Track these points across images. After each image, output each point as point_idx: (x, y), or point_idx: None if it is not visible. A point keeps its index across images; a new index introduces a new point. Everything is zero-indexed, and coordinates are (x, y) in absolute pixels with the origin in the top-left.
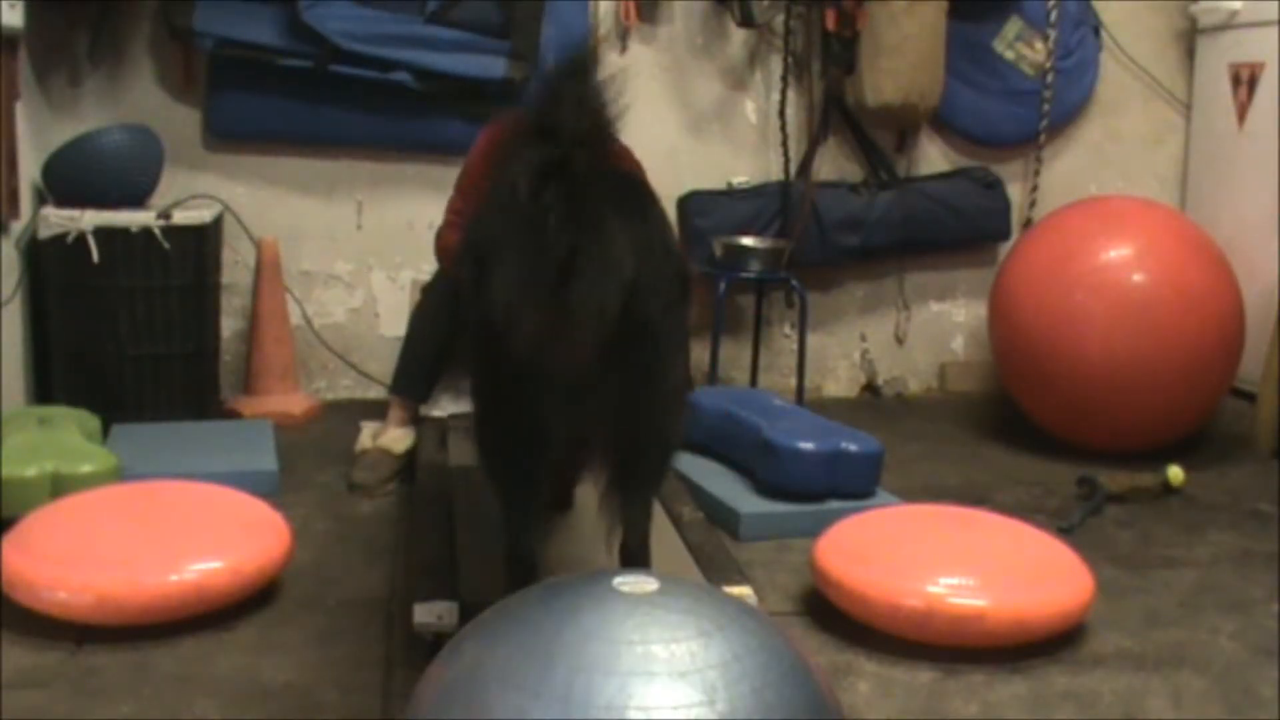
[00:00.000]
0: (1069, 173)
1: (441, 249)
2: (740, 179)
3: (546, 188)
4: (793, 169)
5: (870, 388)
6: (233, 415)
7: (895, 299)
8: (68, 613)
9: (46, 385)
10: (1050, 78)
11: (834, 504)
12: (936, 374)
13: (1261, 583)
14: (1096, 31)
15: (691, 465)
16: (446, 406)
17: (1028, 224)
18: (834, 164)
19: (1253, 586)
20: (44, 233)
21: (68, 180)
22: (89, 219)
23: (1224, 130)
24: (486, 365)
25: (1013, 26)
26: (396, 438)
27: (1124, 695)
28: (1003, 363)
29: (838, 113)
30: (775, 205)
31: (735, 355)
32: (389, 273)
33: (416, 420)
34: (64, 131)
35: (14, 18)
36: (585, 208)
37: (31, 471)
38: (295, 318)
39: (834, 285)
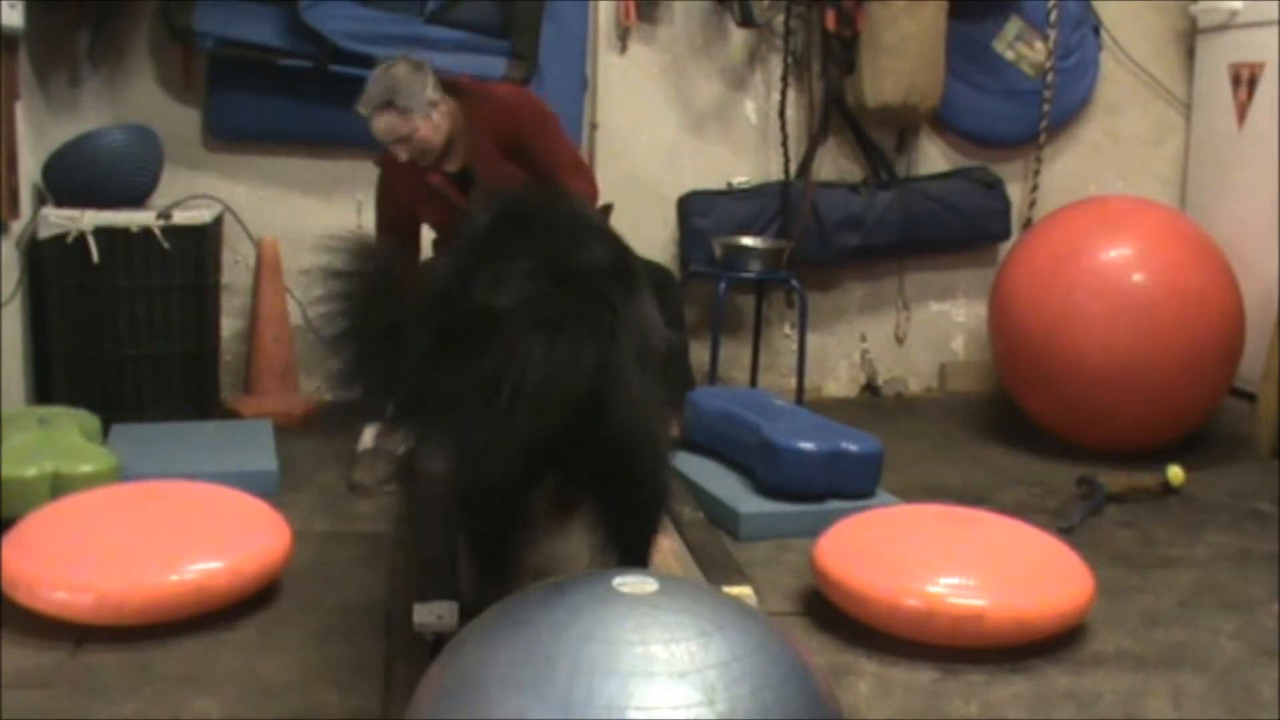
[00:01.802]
0: (1069, 173)
1: None
2: (740, 179)
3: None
4: (793, 169)
5: (870, 388)
6: (233, 415)
7: (895, 299)
8: (68, 613)
9: (46, 385)
10: (1050, 78)
11: (834, 504)
12: (936, 374)
13: (1261, 583)
14: (1096, 31)
15: (691, 465)
16: None
17: (1028, 224)
18: (834, 164)
19: (1253, 586)
20: (44, 233)
21: (68, 180)
22: (89, 219)
23: (1224, 130)
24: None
25: (1013, 26)
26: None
27: (1124, 695)
28: (1003, 363)
29: (838, 113)
30: (775, 205)
31: (735, 355)
32: None
33: None
34: (64, 131)
35: (14, 18)
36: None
37: (31, 471)
38: (295, 318)
39: (834, 285)
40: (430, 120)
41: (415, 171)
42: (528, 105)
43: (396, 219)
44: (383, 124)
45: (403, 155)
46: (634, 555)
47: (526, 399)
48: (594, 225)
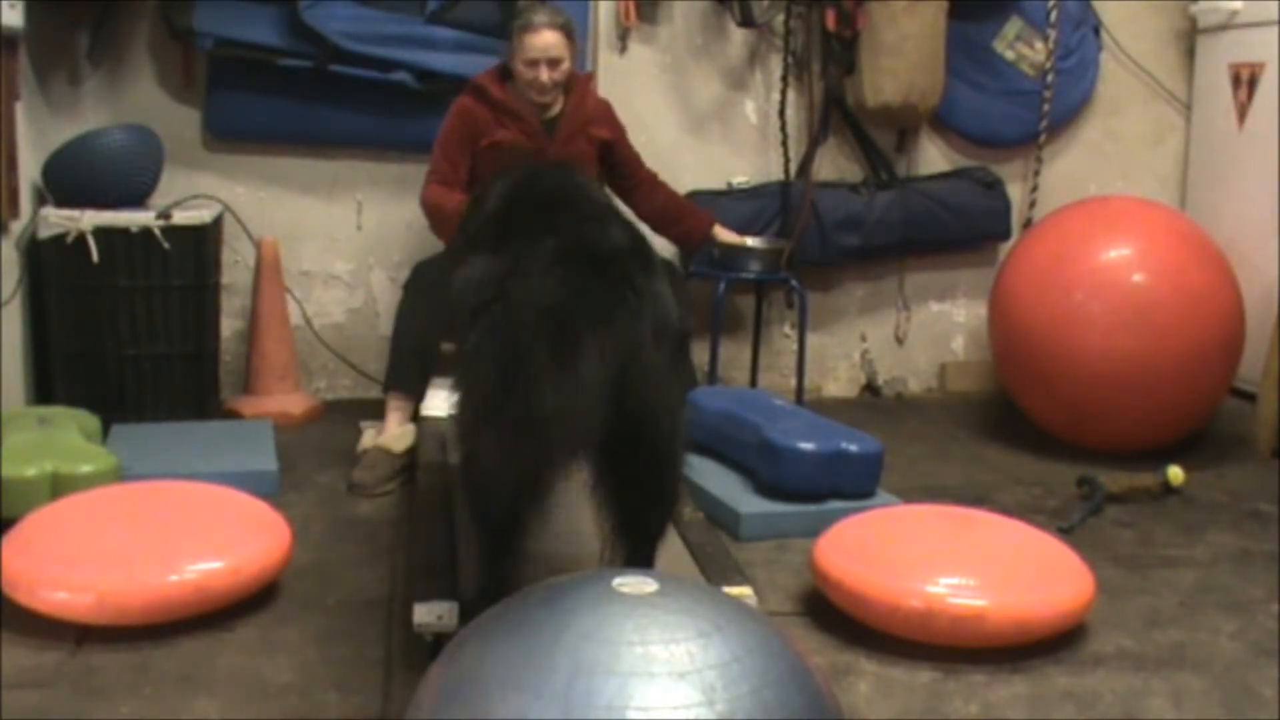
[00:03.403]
0: (1069, 173)
1: (432, 204)
2: (740, 179)
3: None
4: (793, 169)
5: (870, 388)
6: (233, 415)
7: (895, 299)
8: (68, 613)
9: (46, 385)
10: (1050, 78)
11: (834, 504)
12: (936, 374)
13: (1261, 583)
14: (1096, 31)
15: (691, 465)
16: (445, 405)
17: (1028, 224)
18: (834, 164)
19: (1253, 586)
20: (44, 233)
21: (68, 180)
22: (89, 219)
23: (1224, 130)
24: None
25: (1013, 26)
26: (396, 436)
27: (1124, 695)
28: (1003, 363)
29: (838, 113)
30: (775, 205)
31: (735, 355)
32: (389, 273)
33: (415, 418)
34: (64, 131)
35: (14, 18)
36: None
37: (31, 471)
38: (295, 318)
39: (834, 285)
40: (570, 63)
41: (502, 108)
42: (609, 120)
43: (460, 147)
44: (549, 38)
45: (543, 75)
46: (643, 549)
47: (587, 385)
48: (608, 206)
